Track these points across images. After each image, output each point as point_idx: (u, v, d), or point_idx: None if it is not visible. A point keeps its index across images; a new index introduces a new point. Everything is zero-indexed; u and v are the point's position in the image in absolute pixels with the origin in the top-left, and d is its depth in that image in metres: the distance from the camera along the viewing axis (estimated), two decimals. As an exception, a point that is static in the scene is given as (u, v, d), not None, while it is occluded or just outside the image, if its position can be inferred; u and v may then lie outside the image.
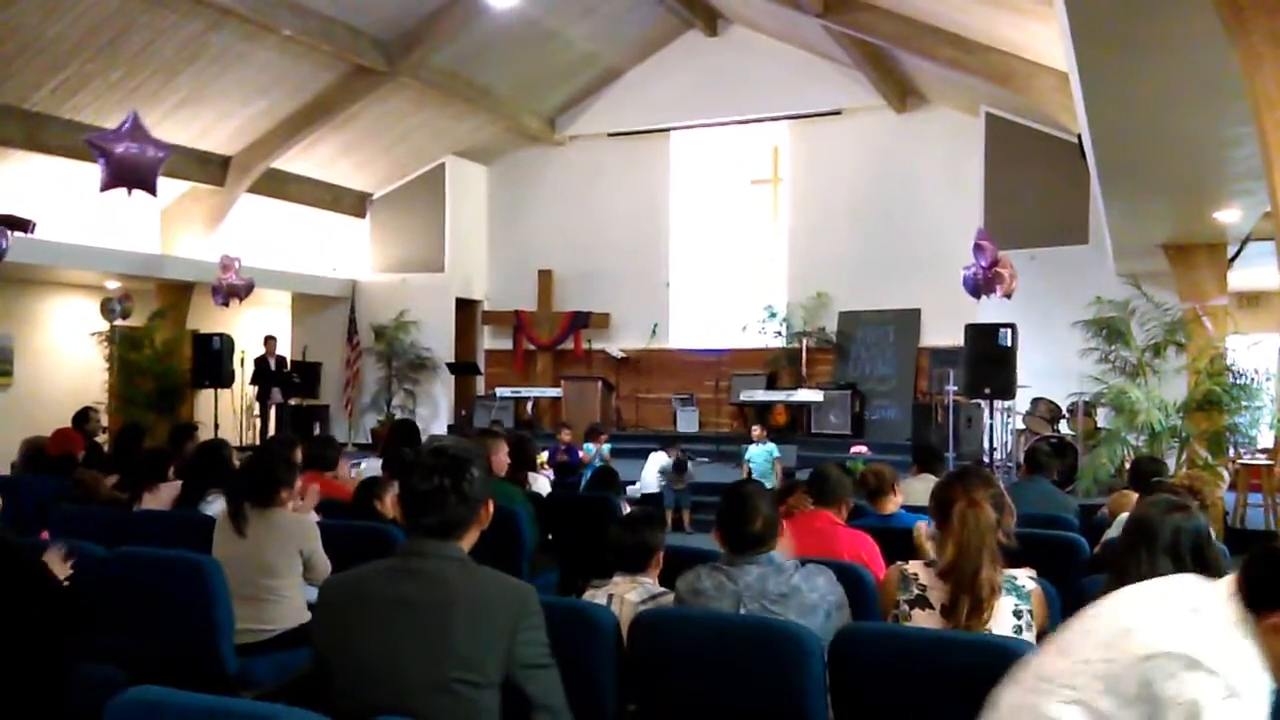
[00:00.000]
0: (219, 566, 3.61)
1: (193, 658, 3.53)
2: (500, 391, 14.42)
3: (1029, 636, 2.70)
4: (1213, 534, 3.04)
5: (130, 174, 8.23)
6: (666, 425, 14.02)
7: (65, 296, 13.07)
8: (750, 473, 10.27)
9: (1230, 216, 7.97)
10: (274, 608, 3.82)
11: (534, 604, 2.22)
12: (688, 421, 13.72)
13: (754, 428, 11.05)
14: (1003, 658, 2.51)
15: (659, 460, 10.08)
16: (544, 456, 9.42)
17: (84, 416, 8.48)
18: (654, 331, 14.93)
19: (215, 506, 4.76)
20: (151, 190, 8.46)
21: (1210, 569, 2.62)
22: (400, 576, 2.20)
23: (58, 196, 11.00)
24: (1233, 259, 9.17)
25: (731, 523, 3.01)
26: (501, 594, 2.21)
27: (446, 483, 2.21)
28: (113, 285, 12.94)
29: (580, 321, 15.18)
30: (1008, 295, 10.32)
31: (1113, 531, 4.73)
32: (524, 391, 14.52)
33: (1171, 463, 8.24)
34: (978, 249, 10.32)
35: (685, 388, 14.47)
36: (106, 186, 8.26)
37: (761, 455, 10.34)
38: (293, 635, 3.80)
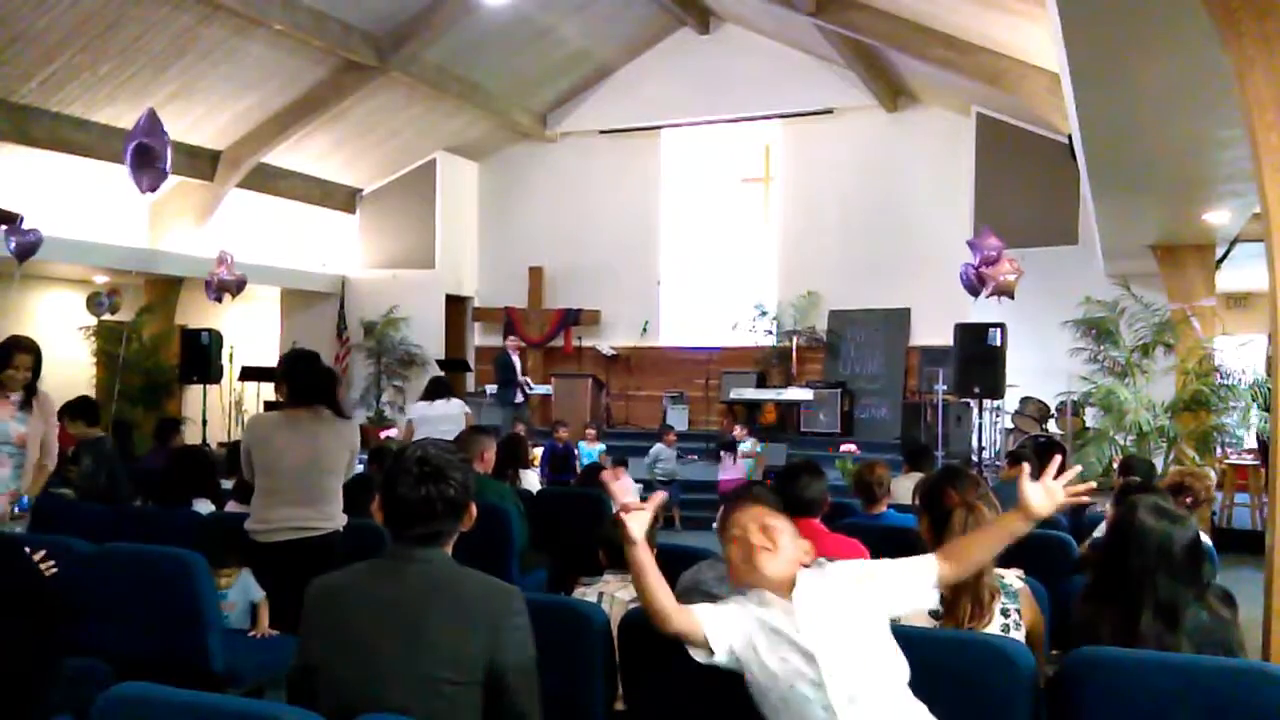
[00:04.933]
0: (205, 564, 3.61)
1: (180, 653, 3.52)
2: (490, 389, 14.36)
3: (1018, 635, 2.70)
4: (1205, 541, 3.03)
5: (151, 169, 8.27)
6: (657, 423, 14.01)
7: (52, 290, 12.99)
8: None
9: (1220, 218, 7.99)
10: (330, 505, 4.16)
11: (518, 605, 2.21)
12: (678, 419, 13.72)
13: (735, 428, 11.02)
14: (991, 656, 2.52)
15: None
16: (537, 453, 9.42)
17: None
18: (645, 329, 14.92)
19: (202, 507, 4.86)
20: (161, 180, 8.51)
21: (1199, 582, 2.62)
22: (384, 578, 2.21)
23: (45, 189, 10.93)
24: (1221, 260, 9.22)
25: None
26: (484, 591, 2.20)
27: (431, 492, 2.20)
28: (101, 280, 12.87)
29: (571, 319, 15.14)
30: (1010, 295, 10.28)
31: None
32: (514, 389, 14.46)
33: (1159, 463, 8.29)
34: (971, 246, 10.34)
35: (676, 385, 14.49)
36: (153, 186, 8.35)
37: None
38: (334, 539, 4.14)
